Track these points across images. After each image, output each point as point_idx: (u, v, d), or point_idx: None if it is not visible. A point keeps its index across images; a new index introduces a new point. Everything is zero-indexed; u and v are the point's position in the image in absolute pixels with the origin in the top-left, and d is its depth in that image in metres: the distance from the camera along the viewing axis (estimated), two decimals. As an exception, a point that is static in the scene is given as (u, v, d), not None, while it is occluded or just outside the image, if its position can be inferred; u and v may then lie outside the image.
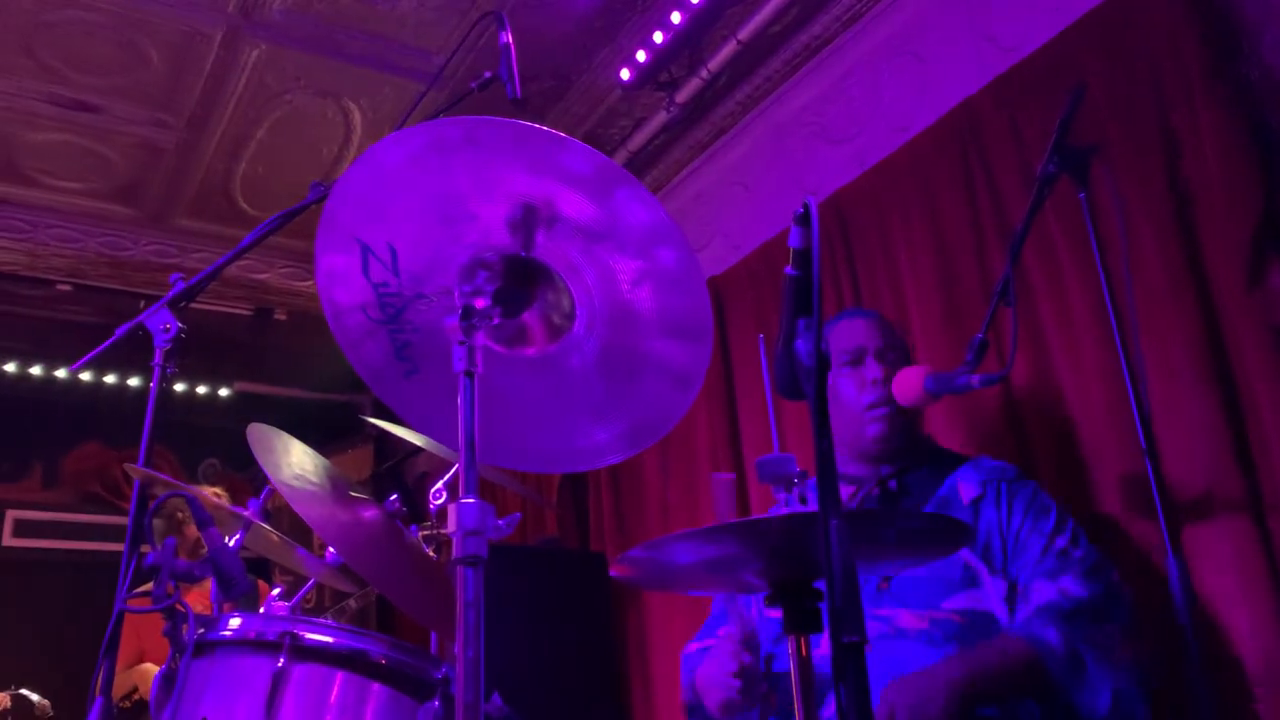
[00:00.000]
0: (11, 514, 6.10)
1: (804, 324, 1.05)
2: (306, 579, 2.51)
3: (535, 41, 3.83)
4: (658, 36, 3.69)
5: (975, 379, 1.90)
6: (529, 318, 1.56)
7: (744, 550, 1.27)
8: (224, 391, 6.35)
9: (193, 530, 3.75)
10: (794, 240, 1.08)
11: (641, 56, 3.77)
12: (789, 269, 1.09)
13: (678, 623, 3.62)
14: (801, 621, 1.23)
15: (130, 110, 4.26)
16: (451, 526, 1.25)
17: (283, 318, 5.60)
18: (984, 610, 1.89)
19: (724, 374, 3.63)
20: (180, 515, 3.80)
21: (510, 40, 2.18)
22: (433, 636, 2.40)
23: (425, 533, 2.51)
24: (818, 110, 3.64)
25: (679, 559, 1.38)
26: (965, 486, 2.04)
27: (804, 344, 1.04)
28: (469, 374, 1.35)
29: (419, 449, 4.48)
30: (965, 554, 1.92)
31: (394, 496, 2.23)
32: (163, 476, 1.77)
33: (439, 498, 2.66)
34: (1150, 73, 2.38)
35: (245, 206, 4.83)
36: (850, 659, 0.97)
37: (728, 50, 3.64)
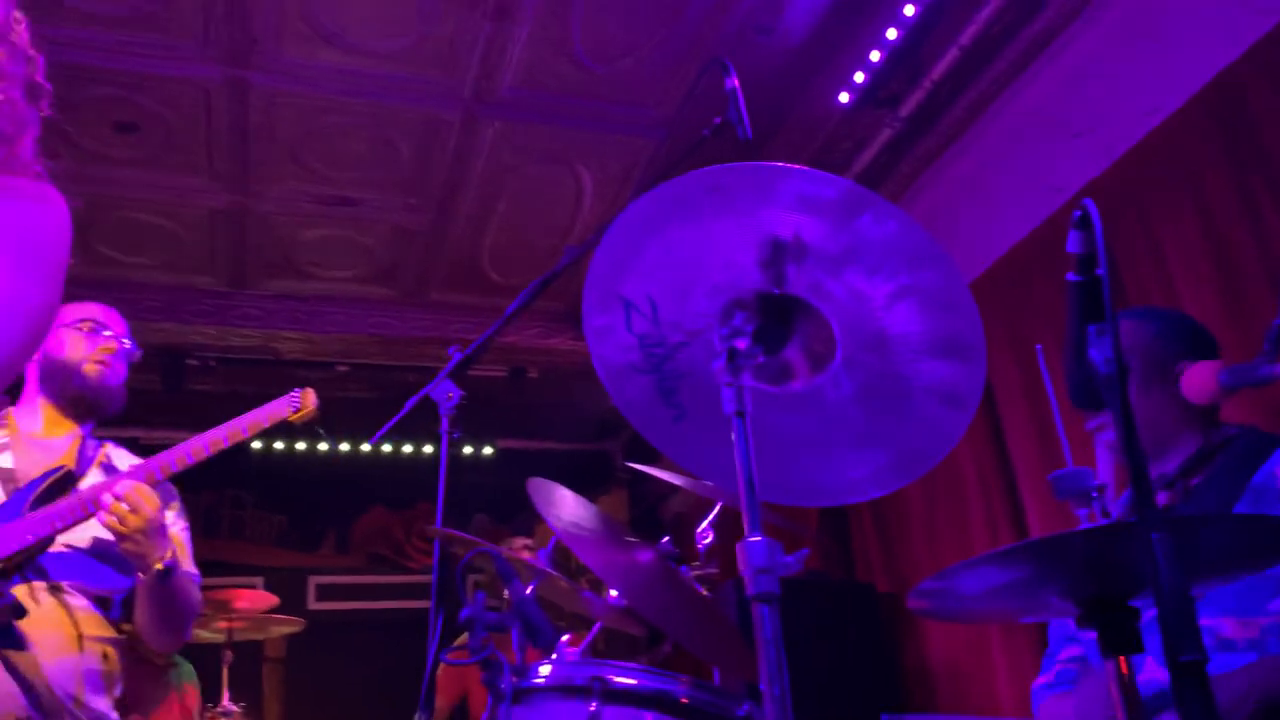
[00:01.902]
0: (313, 580, 6.69)
1: (1095, 331, 1.00)
2: (589, 624, 2.60)
3: (749, 78, 3.86)
4: (874, 55, 3.65)
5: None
6: (790, 353, 1.57)
7: (1047, 571, 1.21)
8: (487, 450, 6.71)
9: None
10: (1074, 245, 1.04)
11: (859, 77, 3.74)
12: (1071, 275, 1.05)
13: (959, 647, 3.49)
14: (1120, 642, 1.16)
15: (385, 199, 4.63)
16: (741, 566, 1.27)
17: (534, 375, 5.87)
18: None
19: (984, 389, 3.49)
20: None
21: (736, 84, 2.23)
22: (715, 672, 2.43)
23: (696, 572, 2.55)
24: (1053, 105, 3.49)
25: (972, 587, 1.34)
26: None
27: (1098, 352, 0.99)
28: (740, 415, 1.37)
29: (674, 489, 4.55)
30: None
31: (666, 538, 2.28)
32: (463, 535, 1.89)
33: (705, 538, 2.70)
34: None
35: (493, 276, 5.13)
36: (1189, 678, 0.91)
37: (950, 58, 3.56)
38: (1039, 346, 1.59)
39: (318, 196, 4.58)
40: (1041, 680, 2.08)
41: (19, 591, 1.95)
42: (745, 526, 1.30)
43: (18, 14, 1.35)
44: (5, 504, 2.03)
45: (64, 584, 2.05)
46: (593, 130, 4.23)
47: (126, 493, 1.97)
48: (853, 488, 1.66)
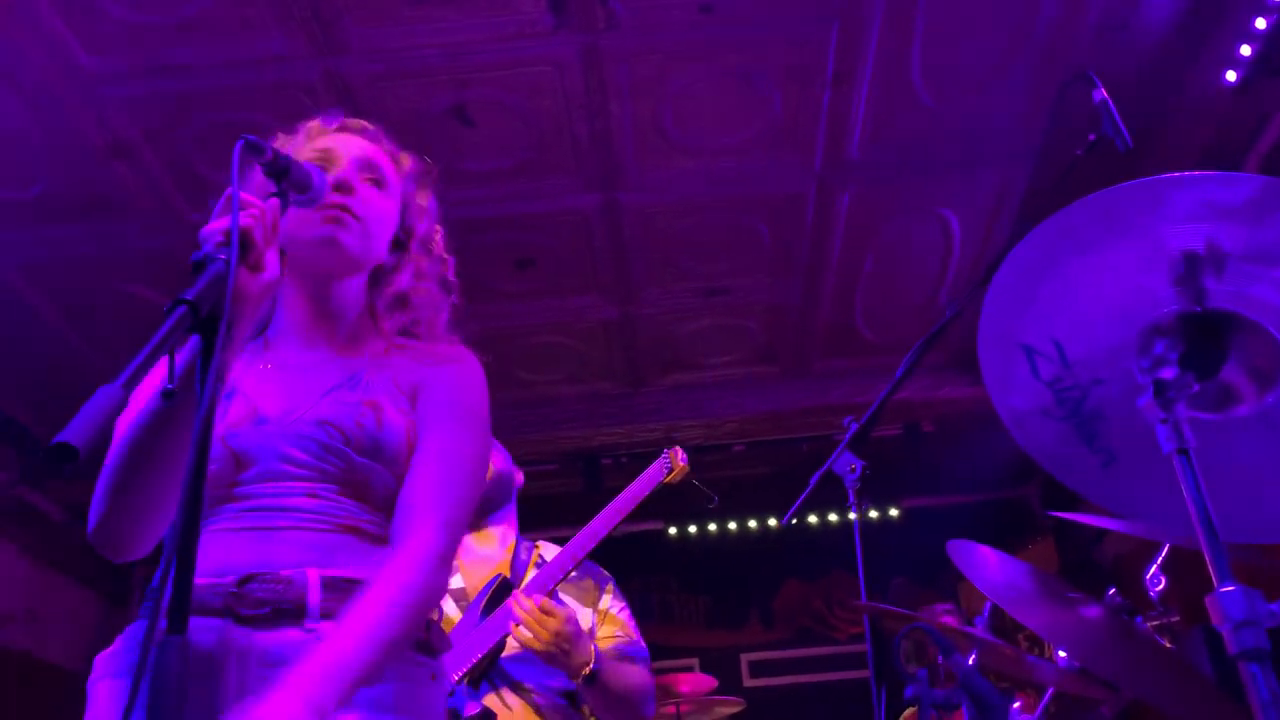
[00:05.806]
0: (745, 657, 6.84)
1: None
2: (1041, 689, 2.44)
3: (1113, 81, 3.58)
4: (1260, 23, 3.26)
5: None
6: (1229, 373, 1.42)
7: None
8: (894, 511, 6.58)
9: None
10: None
11: (1246, 50, 3.35)
12: None
13: None
14: None
15: (754, 282, 4.78)
16: (1216, 621, 1.14)
17: (930, 429, 5.71)
18: None
19: None
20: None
21: (1105, 95, 2.09)
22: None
23: (1154, 623, 2.34)
24: None
25: None
26: None
27: None
28: (1182, 452, 1.26)
29: (1105, 532, 4.19)
30: None
31: (1112, 589, 2.12)
32: (894, 609, 1.87)
33: (1156, 583, 2.48)
34: None
35: (869, 336, 5.09)
36: None
37: (1356, 3, 3.10)
38: None
39: (693, 291, 4.82)
40: None
41: (489, 700, 2.16)
42: (1213, 576, 1.18)
43: (438, 225, 1.60)
44: (462, 620, 2.26)
45: (528, 685, 2.19)
46: (951, 171, 4.11)
47: (524, 616, 2.08)
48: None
